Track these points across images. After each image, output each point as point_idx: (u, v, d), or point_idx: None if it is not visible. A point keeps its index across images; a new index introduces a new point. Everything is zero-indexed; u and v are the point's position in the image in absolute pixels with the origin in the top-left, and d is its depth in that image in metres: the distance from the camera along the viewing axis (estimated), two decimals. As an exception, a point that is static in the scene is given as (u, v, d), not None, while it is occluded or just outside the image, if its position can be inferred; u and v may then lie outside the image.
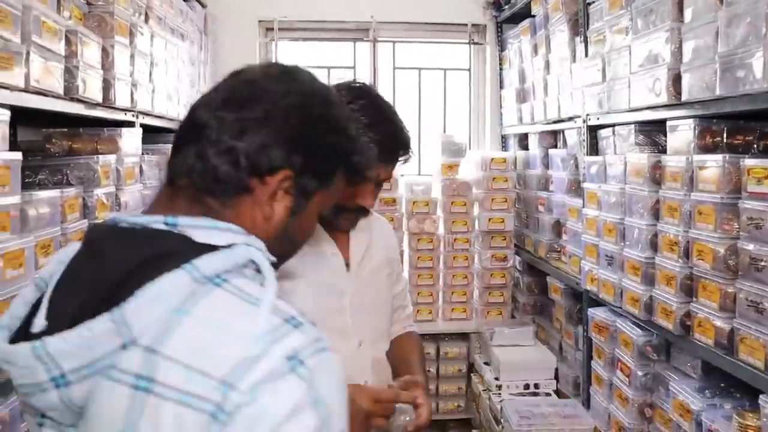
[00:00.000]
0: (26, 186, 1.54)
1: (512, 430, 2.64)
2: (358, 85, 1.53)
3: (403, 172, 3.64)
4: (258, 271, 0.84)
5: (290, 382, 0.72)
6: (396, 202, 3.63)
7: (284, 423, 0.70)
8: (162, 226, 0.82)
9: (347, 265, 1.59)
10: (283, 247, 0.96)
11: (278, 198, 0.89)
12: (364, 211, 1.55)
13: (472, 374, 3.69)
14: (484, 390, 3.33)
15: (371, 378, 1.55)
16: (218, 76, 0.95)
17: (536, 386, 3.15)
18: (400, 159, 1.52)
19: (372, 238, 1.67)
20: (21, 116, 1.65)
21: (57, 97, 1.77)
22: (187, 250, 0.79)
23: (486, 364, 3.40)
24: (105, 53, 2.08)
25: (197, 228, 0.83)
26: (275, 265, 0.98)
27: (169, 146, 0.92)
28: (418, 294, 3.65)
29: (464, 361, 3.82)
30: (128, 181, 2.19)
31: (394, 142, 1.49)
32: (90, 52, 1.96)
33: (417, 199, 3.69)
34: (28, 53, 1.59)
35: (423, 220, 3.67)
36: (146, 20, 2.54)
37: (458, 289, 3.74)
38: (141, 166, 2.35)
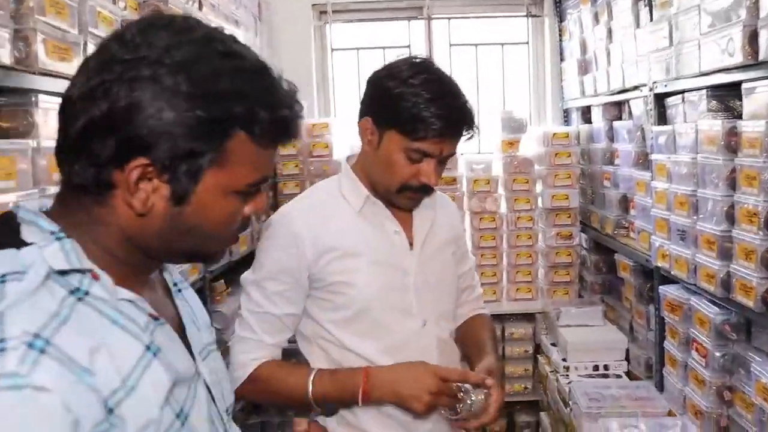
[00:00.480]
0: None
1: (581, 412, 2.56)
2: (418, 60, 1.49)
3: (463, 150, 3.57)
4: (96, 278, 0.74)
5: None
6: (456, 181, 3.57)
7: None
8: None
9: (411, 244, 1.56)
10: (193, 241, 0.82)
11: (152, 187, 0.76)
12: (429, 190, 1.52)
13: (538, 355, 3.61)
14: (551, 371, 3.25)
15: (437, 359, 1.53)
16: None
17: (606, 368, 3.05)
18: (464, 134, 1.48)
19: (436, 216, 1.63)
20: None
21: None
22: (2, 246, 0.71)
23: (553, 345, 3.32)
24: (160, 42, 2.10)
25: (25, 222, 0.75)
26: (212, 259, 0.90)
27: None
28: (482, 274, 3.57)
29: (530, 342, 3.74)
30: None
31: (457, 117, 1.44)
32: (146, 41, 1.98)
33: (478, 178, 3.61)
34: (85, 44, 1.62)
35: (484, 198, 3.60)
36: (200, 8, 2.55)
37: (523, 269, 3.66)
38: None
